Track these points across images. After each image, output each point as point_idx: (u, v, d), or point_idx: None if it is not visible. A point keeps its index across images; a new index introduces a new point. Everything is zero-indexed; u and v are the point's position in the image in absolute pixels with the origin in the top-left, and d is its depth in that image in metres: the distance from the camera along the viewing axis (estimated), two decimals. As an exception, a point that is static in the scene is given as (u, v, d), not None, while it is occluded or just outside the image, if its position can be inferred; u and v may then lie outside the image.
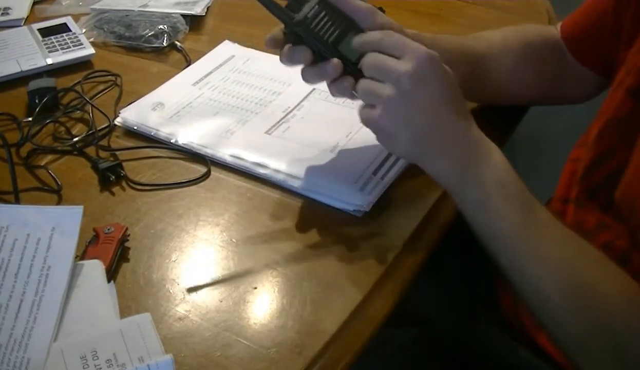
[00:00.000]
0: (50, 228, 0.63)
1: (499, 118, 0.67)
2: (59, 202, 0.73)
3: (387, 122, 0.62)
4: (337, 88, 0.67)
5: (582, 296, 0.57)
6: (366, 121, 0.64)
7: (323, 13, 0.66)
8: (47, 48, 0.99)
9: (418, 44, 0.61)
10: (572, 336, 0.58)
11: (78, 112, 0.87)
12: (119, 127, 0.84)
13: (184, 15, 1.07)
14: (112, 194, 0.74)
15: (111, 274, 0.63)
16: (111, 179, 0.75)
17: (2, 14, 1.11)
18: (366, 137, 0.78)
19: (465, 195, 0.62)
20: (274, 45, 0.68)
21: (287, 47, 0.67)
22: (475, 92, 0.78)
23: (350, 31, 0.67)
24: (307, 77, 0.68)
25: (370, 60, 0.63)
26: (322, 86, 0.71)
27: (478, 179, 0.61)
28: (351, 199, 0.70)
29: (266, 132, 0.81)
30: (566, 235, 0.60)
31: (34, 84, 0.89)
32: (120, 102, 0.89)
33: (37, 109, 0.84)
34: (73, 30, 1.03)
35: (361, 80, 0.64)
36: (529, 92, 0.83)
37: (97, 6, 1.10)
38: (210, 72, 0.94)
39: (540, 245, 0.59)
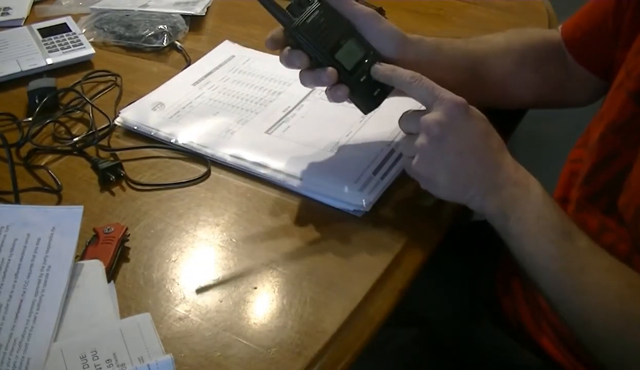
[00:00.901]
0: (50, 228, 0.62)
1: (499, 118, 0.67)
2: (59, 202, 0.73)
3: (423, 168, 0.65)
4: (332, 95, 0.68)
5: (624, 322, 0.58)
6: (408, 170, 0.67)
7: (323, 18, 0.66)
8: (47, 48, 0.99)
9: (445, 91, 0.64)
10: (614, 360, 0.59)
11: (78, 112, 0.87)
12: (119, 127, 0.84)
13: (184, 15, 1.07)
14: (112, 194, 0.74)
15: (111, 274, 0.63)
16: (111, 179, 0.75)
17: (2, 14, 1.11)
18: (366, 136, 0.79)
19: (507, 229, 0.63)
20: (273, 46, 0.68)
21: (286, 49, 0.68)
22: (477, 94, 0.78)
23: (348, 38, 0.67)
24: (304, 80, 0.69)
25: (403, 120, 0.67)
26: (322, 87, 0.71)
27: (517, 214, 0.62)
28: (351, 199, 0.70)
29: (266, 132, 0.81)
30: (605, 262, 0.60)
31: (34, 84, 0.89)
32: (120, 102, 0.89)
33: (37, 109, 0.84)
34: (73, 30, 1.03)
35: (402, 139, 0.67)
36: (530, 94, 0.83)
37: (97, 6, 1.10)
38: (210, 72, 0.94)
39: (579, 274, 0.60)
